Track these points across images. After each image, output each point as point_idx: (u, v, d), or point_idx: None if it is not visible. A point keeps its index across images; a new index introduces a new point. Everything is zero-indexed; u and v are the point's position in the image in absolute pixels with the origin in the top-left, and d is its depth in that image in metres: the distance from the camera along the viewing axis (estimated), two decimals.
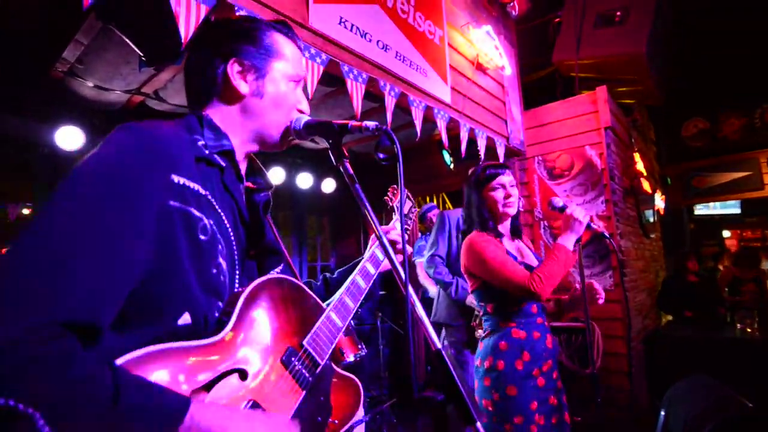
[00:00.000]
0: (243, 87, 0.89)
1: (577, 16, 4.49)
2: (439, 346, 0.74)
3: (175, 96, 3.09)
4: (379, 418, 3.41)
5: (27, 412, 0.51)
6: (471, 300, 2.95)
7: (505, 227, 1.98)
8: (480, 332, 2.84)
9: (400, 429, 3.45)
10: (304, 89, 1.23)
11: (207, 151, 0.83)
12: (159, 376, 0.64)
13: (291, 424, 0.76)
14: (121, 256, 0.63)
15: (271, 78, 0.91)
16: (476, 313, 2.91)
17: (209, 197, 0.79)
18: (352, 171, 0.88)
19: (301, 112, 0.97)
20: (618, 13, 4.38)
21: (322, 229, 5.72)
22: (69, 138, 2.92)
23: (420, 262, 3.35)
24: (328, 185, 4.83)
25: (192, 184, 0.75)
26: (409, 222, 1.38)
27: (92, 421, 0.54)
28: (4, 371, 0.51)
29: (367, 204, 0.85)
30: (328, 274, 1.30)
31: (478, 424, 0.69)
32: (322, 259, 5.53)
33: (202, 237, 0.75)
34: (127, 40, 2.10)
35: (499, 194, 1.91)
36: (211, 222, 0.78)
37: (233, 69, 0.88)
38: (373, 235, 1.24)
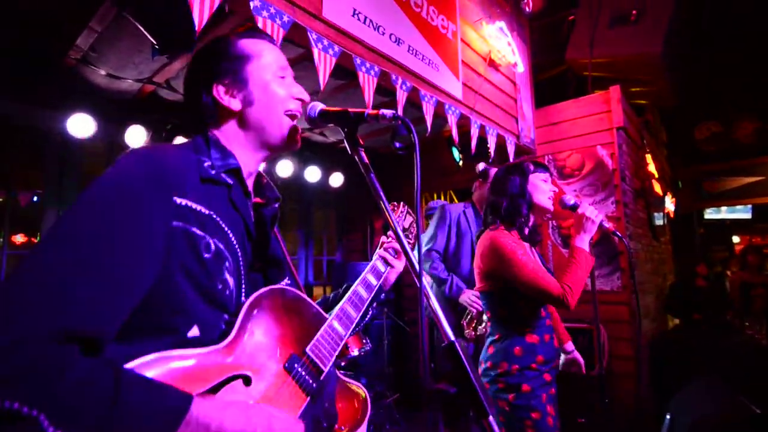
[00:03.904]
0: (234, 104, 0.91)
1: (591, 14, 4.44)
2: (453, 338, 0.73)
3: None
4: (383, 413, 3.41)
5: (32, 415, 0.53)
6: (465, 299, 2.78)
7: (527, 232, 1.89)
8: (470, 332, 2.77)
9: (403, 424, 3.45)
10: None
11: (213, 171, 0.85)
12: (163, 380, 0.67)
13: (290, 420, 0.76)
14: (122, 277, 0.67)
15: (254, 82, 0.91)
16: (468, 312, 2.78)
17: (214, 216, 0.81)
18: (367, 160, 0.88)
19: (298, 99, 0.96)
20: (634, 12, 4.32)
21: (329, 224, 5.72)
22: (80, 126, 2.92)
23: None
24: (336, 179, 4.82)
25: (195, 206, 0.78)
26: (409, 236, 1.33)
27: (94, 421, 0.56)
28: (6, 372, 0.53)
29: (381, 193, 0.85)
30: (329, 296, 1.31)
31: (491, 417, 0.68)
32: (328, 253, 5.53)
33: (206, 255, 0.78)
34: (141, 28, 2.10)
35: (547, 186, 1.87)
36: (215, 240, 0.80)
37: (219, 92, 0.90)
38: (381, 239, 1.26)
